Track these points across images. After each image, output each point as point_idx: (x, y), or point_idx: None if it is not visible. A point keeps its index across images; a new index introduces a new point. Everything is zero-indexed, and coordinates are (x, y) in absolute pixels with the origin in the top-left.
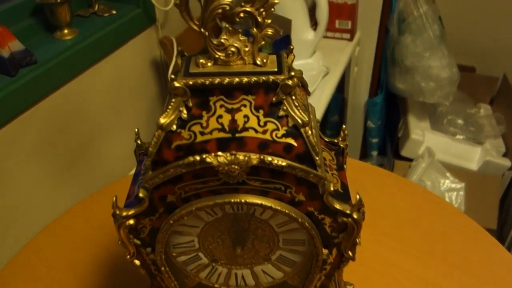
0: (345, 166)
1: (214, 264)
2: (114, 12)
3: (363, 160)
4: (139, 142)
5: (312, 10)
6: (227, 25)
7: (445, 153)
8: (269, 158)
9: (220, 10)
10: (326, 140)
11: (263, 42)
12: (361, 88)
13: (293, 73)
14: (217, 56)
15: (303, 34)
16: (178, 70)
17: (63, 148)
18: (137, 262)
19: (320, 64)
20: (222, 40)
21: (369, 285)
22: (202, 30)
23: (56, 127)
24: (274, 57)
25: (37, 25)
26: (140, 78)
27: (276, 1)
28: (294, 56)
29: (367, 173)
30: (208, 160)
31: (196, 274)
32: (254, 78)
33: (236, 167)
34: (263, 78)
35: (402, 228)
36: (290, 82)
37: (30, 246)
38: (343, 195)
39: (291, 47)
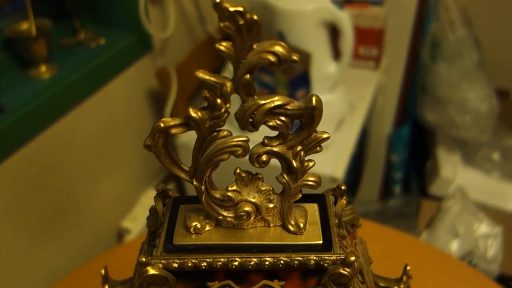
0: None
1: None
2: (102, 41)
3: (385, 199)
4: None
5: (332, 36)
6: (239, 171)
7: (479, 192)
8: None
9: (226, 156)
10: (382, 285)
11: (299, 196)
12: (385, 118)
13: (352, 258)
14: (220, 217)
15: (324, 67)
16: (156, 232)
17: (40, 208)
18: None
19: (343, 100)
20: (230, 194)
21: None
22: (195, 182)
23: (30, 185)
24: (315, 209)
25: (8, 61)
26: (133, 116)
27: (325, 136)
28: (346, 200)
29: (404, 247)
30: None
31: None
32: (283, 259)
33: None
34: (299, 259)
35: None
36: (346, 272)
37: None
38: None
39: (343, 187)
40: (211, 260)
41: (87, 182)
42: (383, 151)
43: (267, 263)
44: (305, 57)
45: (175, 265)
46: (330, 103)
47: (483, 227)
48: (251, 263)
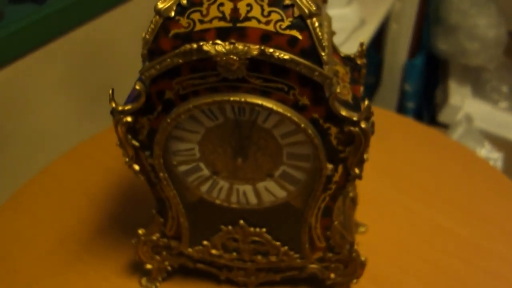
0: (361, 83)
1: (215, 177)
2: None
3: None
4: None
5: None
6: None
7: (485, 121)
8: (270, 50)
9: None
10: (342, 55)
11: None
12: (400, 48)
13: None
14: None
15: None
16: None
17: (89, 82)
18: (136, 167)
19: (356, 15)
20: None
21: (383, 228)
22: None
23: (82, 61)
24: None
25: None
26: None
27: None
28: None
29: (390, 122)
30: (205, 48)
31: (197, 187)
32: None
33: (235, 57)
34: None
35: (423, 175)
36: None
37: (48, 170)
38: (353, 106)
39: None
40: None
41: (129, 69)
42: (397, 81)
43: None
44: None
45: None
46: (344, 16)
47: (484, 151)
48: None
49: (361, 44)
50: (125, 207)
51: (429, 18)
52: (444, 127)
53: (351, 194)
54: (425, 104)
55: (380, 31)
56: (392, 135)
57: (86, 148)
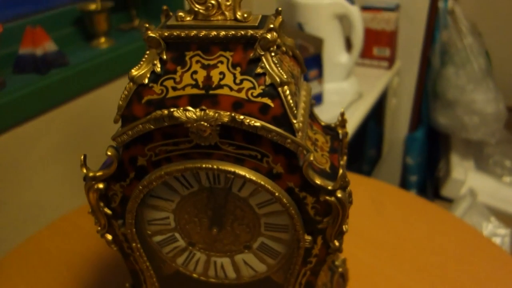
0: (344, 153)
1: (191, 248)
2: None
3: None
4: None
5: (347, 45)
6: None
7: (489, 196)
8: (241, 117)
9: None
10: (323, 124)
11: None
12: (400, 121)
13: (271, 26)
14: (196, 9)
15: (336, 57)
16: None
17: (84, 152)
18: (108, 236)
19: (354, 89)
20: None
21: None
22: None
23: (79, 131)
24: (259, 16)
25: (77, 33)
26: None
27: None
28: (283, 20)
29: (390, 196)
30: (176, 114)
31: (173, 259)
32: (231, 32)
33: (206, 124)
34: (242, 32)
35: (422, 252)
36: (269, 36)
37: (32, 240)
38: (331, 175)
39: (279, 9)
40: (187, 32)
41: None
42: (400, 154)
43: (221, 35)
44: (318, 42)
45: (166, 34)
46: (342, 90)
47: (491, 227)
48: (211, 35)
49: (342, 114)
50: (107, 279)
51: (427, 93)
52: (449, 201)
53: (340, 269)
54: (428, 178)
55: (379, 105)
56: (392, 210)
57: (72, 217)
